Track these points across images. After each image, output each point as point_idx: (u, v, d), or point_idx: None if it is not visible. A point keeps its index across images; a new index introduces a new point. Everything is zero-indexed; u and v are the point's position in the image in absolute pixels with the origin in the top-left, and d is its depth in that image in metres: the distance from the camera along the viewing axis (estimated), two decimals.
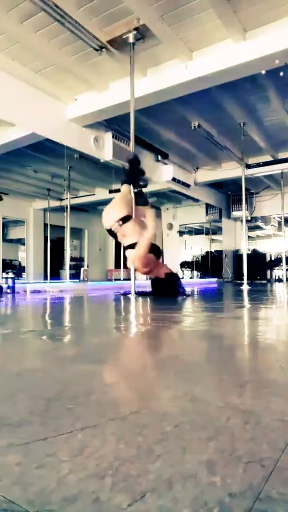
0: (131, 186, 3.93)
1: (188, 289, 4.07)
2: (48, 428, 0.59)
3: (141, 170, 4.07)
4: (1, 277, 6.28)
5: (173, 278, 3.86)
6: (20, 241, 11.62)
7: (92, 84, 5.03)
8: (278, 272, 10.86)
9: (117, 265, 11.73)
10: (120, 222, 3.63)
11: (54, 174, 8.35)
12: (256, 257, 10.68)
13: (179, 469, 0.46)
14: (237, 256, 10.85)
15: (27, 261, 11.19)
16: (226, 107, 5.60)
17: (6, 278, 5.24)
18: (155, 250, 3.72)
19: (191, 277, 12.17)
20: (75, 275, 9.80)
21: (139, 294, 4.10)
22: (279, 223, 11.83)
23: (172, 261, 12.18)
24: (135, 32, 3.88)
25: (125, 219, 3.65)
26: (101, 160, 6.23)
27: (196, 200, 10.34)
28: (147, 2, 3.52)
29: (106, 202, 10.12)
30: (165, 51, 4.33)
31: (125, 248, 3.68)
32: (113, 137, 6.09)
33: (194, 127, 5.89)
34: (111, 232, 3.73)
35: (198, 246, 13.97)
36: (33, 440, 0.55)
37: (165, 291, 3.79)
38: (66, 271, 8.50)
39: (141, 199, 3.91)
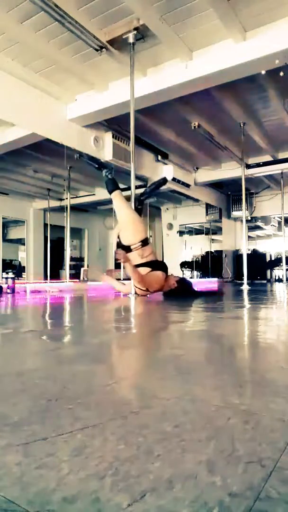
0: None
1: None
2: (48, 428, 0.59)
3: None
4: (1, 277, 6.28)
5: (184, 283, 3.90)
6: (20, 241, 11.61)
7: (92, 84, 5.03)
8: (278, 272, 10.84)
9: (117, 265, 11.72)
10: (141, 244, 3.82)
11: (54, 174, 8.34)
12: (256, 257, 10.65)
13: (179, 469, 0.46)
14: (237, 256, 10.84)
15: (27, 261, 11.17)
16: (226, 107, 5.59)
17: (6, 278, 5.24)
18: (162, 266, 3.85)
19: (191, 277, 12.16)
20: (75, 275, 9.79)
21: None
22: (279, 223, 11.82)
23: (172, 261, 12.19)
24: (135, 32, 3.87)
25: (146, 242, 3.86)
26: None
27: (196, 200, 10.34)
28: (147, 2, 3.52)
29: (106, 202, 10.20)
30: (165, 51, 4.33)
31: (137, 266, 3.75)
32: (113, 137, 6.09)
33: (194, 127, 5.89)
34: (126, 248, 3.81)
35: (198, 246, 13.95)
36: (33, 440, 0.55)
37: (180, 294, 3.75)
38: (66, 271, 8.48)
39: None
